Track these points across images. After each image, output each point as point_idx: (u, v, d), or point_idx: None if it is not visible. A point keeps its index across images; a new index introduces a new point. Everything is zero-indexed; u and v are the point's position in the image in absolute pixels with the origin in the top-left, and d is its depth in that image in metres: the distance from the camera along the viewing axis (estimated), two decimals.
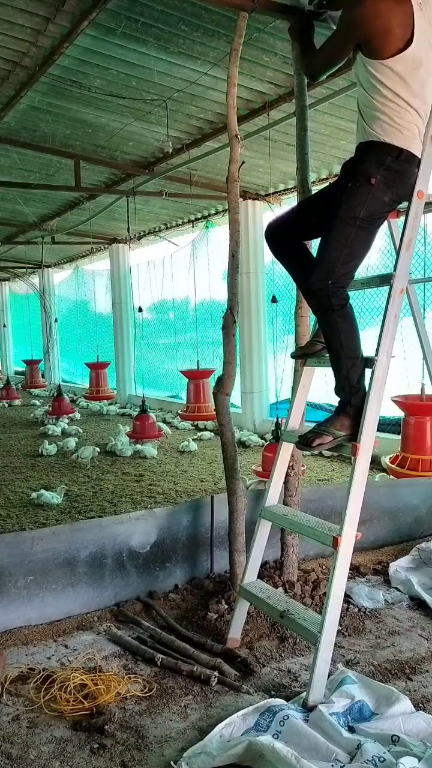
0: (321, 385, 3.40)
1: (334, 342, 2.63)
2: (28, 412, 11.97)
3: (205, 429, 9.26)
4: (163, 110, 5.61)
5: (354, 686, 2.42)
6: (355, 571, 3.68)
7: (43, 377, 14.72)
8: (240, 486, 3.31)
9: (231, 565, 3.34)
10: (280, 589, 3.30)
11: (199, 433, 8.97)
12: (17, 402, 12.89)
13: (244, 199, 8.45)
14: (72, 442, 8.09)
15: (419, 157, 2.56)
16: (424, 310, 3.86)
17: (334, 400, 2.71)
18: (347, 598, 3.28)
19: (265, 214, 8.67)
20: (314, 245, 2.90)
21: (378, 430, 2.55)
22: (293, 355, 3.08)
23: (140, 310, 9.32)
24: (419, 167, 2.58)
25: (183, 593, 3.42)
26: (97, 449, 7.44)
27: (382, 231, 2.81)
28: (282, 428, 3.03)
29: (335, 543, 2.43)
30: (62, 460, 7.54)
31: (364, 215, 2.51)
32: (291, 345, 3.40)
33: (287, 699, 2.42)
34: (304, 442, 2.65)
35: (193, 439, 8.32)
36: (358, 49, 2.51)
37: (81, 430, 9.44)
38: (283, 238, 2.87)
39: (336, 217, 2.53)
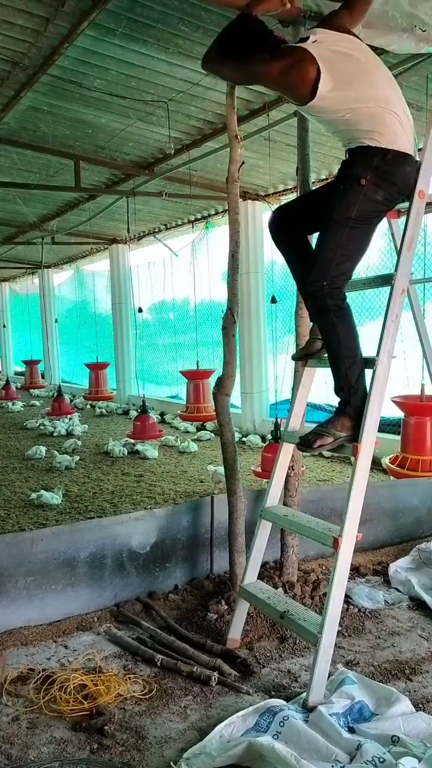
0: (321, 386, 3.39)
1: (331, 342, 2.64)
2: (28, 412, 11.96)
3: (204, 429, 9.26)
4: (163, 111, 5.61)
5: (354, 687, 2.42)
6: (355, 571, 3.68)
7: (42, 377, 14.68)
8: (240, 486, 3.31)
9: (231, 565, 3.34)
10: (280, 589, 3.30)
11: (198, 433, 8.97)
12: (20, 404, 12.86)
13: (243, 200, 8.45)
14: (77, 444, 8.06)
15: (410, 153, 2.55)
16: (424, 310, 3.85)
17: (334, 401, 2.71)
18: (347, 598, 3.28)
19: (264, 214, 8.66)
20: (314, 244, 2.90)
21: (378, 431, 2.54)
22: (294, 357, 3.08)
23: (140, 310, 9.31)
24: (414, 165, 2.57)
25: (183, 594, 3.42)
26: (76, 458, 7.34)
27: (383, 231, 2.81)
28: (282, 429, 3.03)
29: (335, 544, 2.43)
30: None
31: (357, 215, 2.52)
32: (291, 345, 3.39)
33: (287, 699, 2.42)
34: (305, 443, 2.65)
35: (193, 440, 8.31)
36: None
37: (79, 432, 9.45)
38: (286, 226, 2.88)
39: (330, 218, 2.56)
